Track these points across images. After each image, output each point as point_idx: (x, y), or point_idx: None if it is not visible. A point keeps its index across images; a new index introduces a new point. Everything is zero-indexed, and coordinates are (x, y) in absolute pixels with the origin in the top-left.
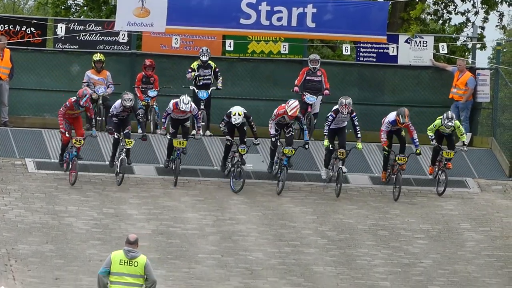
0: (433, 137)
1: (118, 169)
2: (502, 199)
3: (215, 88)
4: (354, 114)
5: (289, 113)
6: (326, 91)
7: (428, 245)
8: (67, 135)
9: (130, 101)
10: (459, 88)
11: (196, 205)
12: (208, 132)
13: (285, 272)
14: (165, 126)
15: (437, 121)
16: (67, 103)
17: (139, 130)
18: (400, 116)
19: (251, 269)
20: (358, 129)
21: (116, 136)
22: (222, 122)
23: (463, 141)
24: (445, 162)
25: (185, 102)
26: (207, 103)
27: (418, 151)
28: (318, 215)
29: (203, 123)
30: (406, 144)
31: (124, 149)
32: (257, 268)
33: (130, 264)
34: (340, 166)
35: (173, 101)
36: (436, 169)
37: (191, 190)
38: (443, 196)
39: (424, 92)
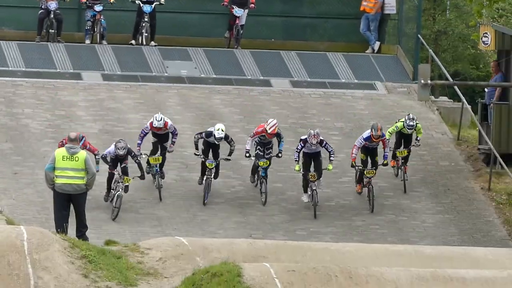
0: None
1: (114, 204)
2: (406, 100)
3: (158, 3)
4: (325, 143)
5: (269, 131)
6: (252, 5)
7: (342, 141)
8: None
9: (123, 149)
10: (369, 1)
11: (137, 107)
12: (152, 43)
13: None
14: (139, 147)
15: (399, 123)
16: (63, 140)
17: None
18: (373, 130)
19: (186, 164)
20: (332, 154)
21: (113, 173)
22: (197, 137)
23: (418, 137)
24: (402, 162)
25: (158, 120)
26: (152, 16)
27: (385, 162)
28: (245, 114)
29: None
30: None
31: (123, 186)
32: (192, 163)
33: (72, 159)
34: (313, 188)
35: (149, 121)
36: (396, 168)
37: (133, 94)
38: (354, 96)
39: (338, 5)
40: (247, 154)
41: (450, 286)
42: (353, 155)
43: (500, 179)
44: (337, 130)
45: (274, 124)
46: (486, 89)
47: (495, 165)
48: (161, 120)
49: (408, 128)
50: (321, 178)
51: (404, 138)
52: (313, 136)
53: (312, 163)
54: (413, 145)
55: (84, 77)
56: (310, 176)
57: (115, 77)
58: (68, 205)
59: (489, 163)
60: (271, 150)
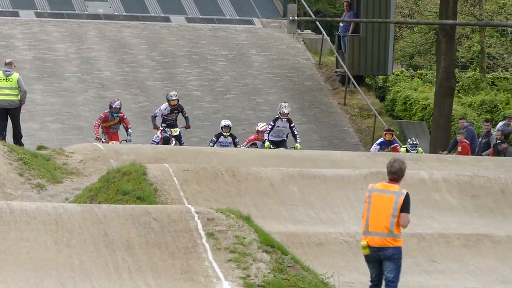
0: None
1: None
2: (278, 33)
3: None
4: (293, 124)
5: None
6: None
7: (227, 65)
8: (103, 140)
9: (176, 96)
10: None
11: (64, 39)
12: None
13: (126, 86)
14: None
15: (403, 149)
16: (101, 115)
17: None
18: (386, 135)
19: (103, 84)
20: (298, 136)
21: (165, 135)
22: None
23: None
24: None
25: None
26: None
27: None
28: (149, 45)
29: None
30: None
31: (174, 138)
32: (107, 83)
33: (7, 80)
34: None
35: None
36: None
37: (60, 28)
38: (236, 30)
39: None
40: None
41: (314, 182)
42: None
43: (353, 96)
44: (223, 57)
45: (264, 125)
46: (341, 24)
47: (349, 84)
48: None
49: (411, 150)
50: None
51: None
52: (284, 107)
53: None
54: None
55: (21, 15)
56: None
57: (45, 14)
58: (6, 117)
59: (344, 83)
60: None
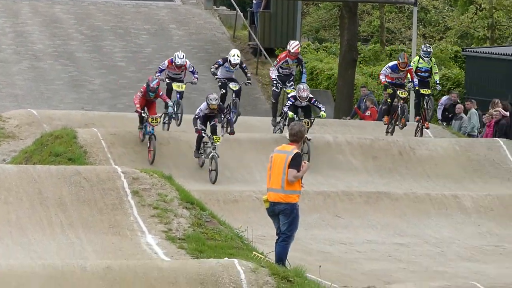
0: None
1: (211, 167)
2: (196, 9)
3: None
4: (314, 99)
5: (292, 51)
6: None
7: (149, 39)
8: (143, 114)
9: (216, 100)
10: None
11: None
12: None
13: (57, 57)
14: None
15: (416, 57)
16: (141, 89)
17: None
18: (400, 58)
19: (36, 55)
20: (322, 106)
21: (202, 134)
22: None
23: (436, 80)
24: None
25: (180, 57)
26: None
27: (417, 89)
28: (78, 20)
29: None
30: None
31: (215, 146)
32: (40, 55)
33: None
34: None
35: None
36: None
37: None
38: (158, 6)
39: None
40: (274, 82)
41: (229, 145)
42: (382, 78)
43: (264, 66)
44: (145, 31)
45: (297, 45)
46: (254, 1)
47: (260, 56)
48: (183, 58)
49: (425, 56)
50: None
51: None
52: (302, 90)
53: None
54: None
55: None
56: (304, 123)
57: None
58: None
59: (256, 55)
60: (292, 83)
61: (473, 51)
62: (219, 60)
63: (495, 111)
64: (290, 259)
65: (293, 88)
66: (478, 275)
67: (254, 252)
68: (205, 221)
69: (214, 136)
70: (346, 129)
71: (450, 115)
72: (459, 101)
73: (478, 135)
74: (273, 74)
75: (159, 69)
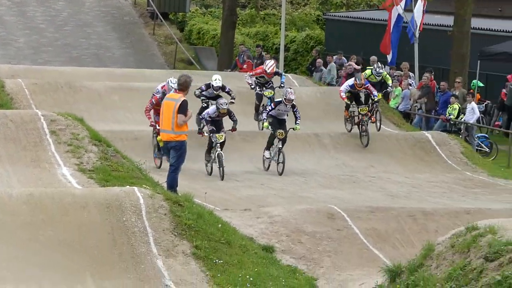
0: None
1: (218, 164)
2: None
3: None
4: (296, 108)
5: (268, 71)
6: None
7: (65, 5)
8: (157, 126)
9: (226, 104)
10: None
11: None
12: None
13: None
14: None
15: (367, 71)
16: (152, 99)
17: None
18: (357, 79)
19: None
20: (299, 118)
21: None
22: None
23: (389, 84)
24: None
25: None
26: None
27: (376, 99)
28: None
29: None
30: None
31: (218, 144)
32: None
33: None
34: (279, 146)
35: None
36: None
37: None
38: None
39: None
40: (252, 87)
41: (131, 93)
42: (343, 95)
43: (160, 28)
44: None
45: (272, 64)
46: None
47: (157, 19)
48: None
49: (376, 76)
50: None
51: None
52: (290, 93)
53: (278, 125)
54: (389, 91)
55: None
56: (278, 134)
57: None
58: None
59: (153, 18)
60: (272, 86)
61: (332, 15)
62: (202, 86)
63: (348, 64)
64: (180, 187)
65: (271, 91)
66: (335, 200)
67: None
68: (110, 155)
69: (217, 135)
70: (228, 79)
71: (312, 68)
72: (320, 56)
73: (336, 84)
74: (250, 80)
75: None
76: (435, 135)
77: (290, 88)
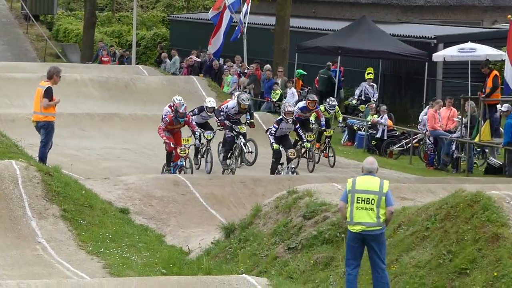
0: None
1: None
2: None
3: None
4: (298, 125)
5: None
6: None
7: None
8: (171, 145)
9: (248, 100)
10: None
11: None
12: None
13: None
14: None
15: (321, 107)
16: (166, 118)
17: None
18: (310, 98)
19: None
20: (303, 135)
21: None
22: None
23: (339, 120)
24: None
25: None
26: None
27: (329, 132)
28: None
29: None
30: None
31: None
32: None
33: None
34: (292, 166)
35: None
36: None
37: None
38: None
39: None
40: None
41: (7, 82)
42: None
43: (32, 28)
44: None
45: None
46: None
47: (30, 20)
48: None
49: (330, 109)
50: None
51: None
52: (288, 106)
53: (282, 144)
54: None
55: None
56: (290, 154)
57: None
58: None
59: (26, 19)
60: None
61: (175, 16)
62: (195, 109)
63: (189, 57)
64: (50, 160)
65: (244, 126)
66: None
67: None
68: None
69: (239, 126)
70: (89, 70)
71: (159, 60)
72: (165, 51)
73: (179, 73)
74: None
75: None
76: (261, 115)
77: (288, 102)
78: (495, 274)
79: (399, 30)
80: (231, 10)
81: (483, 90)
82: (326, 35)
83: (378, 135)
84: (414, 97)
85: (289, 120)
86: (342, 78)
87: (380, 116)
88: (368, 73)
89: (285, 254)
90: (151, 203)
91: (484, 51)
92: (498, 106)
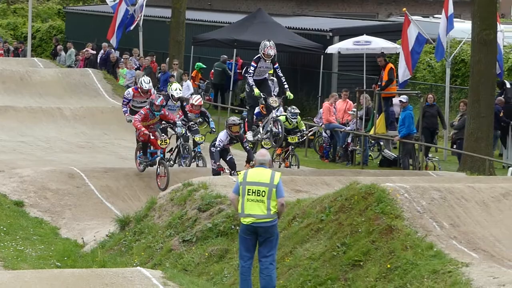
0: None
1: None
2: None
3: None
4: (277, 65)
5: (195, 103)
6: None
7: None
8: (146, 132)
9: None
10: None
11: None
12: None
13: None
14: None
15: (282, 117)
16: (141, 111)
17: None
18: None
19: None
20: (284, 80)
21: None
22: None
23: (303, 129)
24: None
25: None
26: None
27: (294, 139)
28: None
29: None
30: None
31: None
32: None
33: None
34: (276, 115)
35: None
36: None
37: None
38: None
39: None
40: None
41: None
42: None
43: None
44: None
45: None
46: None
47: None
48: (149, 82)
49: (292, 118)
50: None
51: None
52: (269, 47)
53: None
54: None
55: None
56: (271, 101)
57: None
58: None
59: None
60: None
61: (71, 8)
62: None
63: (85, 50)
64: None
65: (201, 137)
66: (75, 162)
67: None
68: None
69: (238, 172)
70: None
71: (55, 53)
72: (60, 43)
73: (75, 66)
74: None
75: (125, 101)
76: None
77: (269, 41)
78: (389, 266)
79: (295, 23)
80: (127, 3)
81: (379, 83)
82: (222, 27)
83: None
84: (309, 90)
85: (267, 60)
86: (239, 71)
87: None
88: None
89: (180, 246)
90: (46, 195)
91: (379, 44)
92: (394, 99)
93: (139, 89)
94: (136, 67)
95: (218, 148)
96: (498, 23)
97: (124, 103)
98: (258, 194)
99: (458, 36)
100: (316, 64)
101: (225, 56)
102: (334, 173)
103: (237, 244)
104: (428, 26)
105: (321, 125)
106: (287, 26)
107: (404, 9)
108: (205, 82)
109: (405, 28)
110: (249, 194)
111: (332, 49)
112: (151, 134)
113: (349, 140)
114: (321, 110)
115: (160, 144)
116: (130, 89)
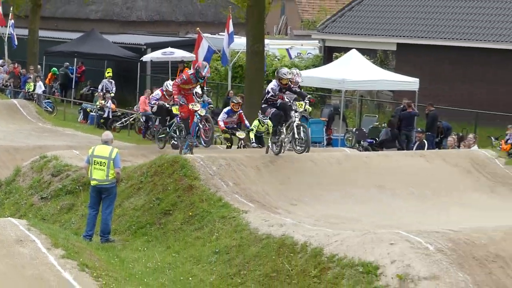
0: None
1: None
2: None
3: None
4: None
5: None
6: None
7: None
8: (181, 102)
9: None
10: None
11: None
12: None
13: None
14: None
15: (256, 121)
16: (183, 75)
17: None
18: (234, 100)
19: None
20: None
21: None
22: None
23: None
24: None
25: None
26: None
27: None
28: None
29: None
30: None
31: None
32: None
33: None
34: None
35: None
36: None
37: None
38: None
39: None
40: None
41: None
42: (221, 124)
43: None
44: None
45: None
46: None
47: None
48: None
49: (264, 120)
50: None
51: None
52: (297, 75)
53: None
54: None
55: None
56: (298, 105)
57: None
58: None
59: None
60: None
61: None
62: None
63: None
64: None
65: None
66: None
67: None
68: None
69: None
70: None
71: None
72: None
73: None
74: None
75: (152, 100)
76: (20, 102)
77: (296, 69)
78: (190, 213)
79: (119, 39)
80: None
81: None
82: (66, 42)
83: (105, 115)
84: (130, 88)
85: (299, 80)
86: (79, 75)
87: (106, 101)
88: (108, 72)
89: (39, 202)
90: None
91: (180, 54)
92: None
93: (165, 92)
94: (5, 71)
95: (271, 93)
96: (264, 38)
97: (153, 101)
98: (101, 164)
99: (237, 48)
100: (135, 69)
101: (68, 63)
102: (149, 148)
103: (81, 199)
104: (215, 41)
105: (139, 113)
106: (113, 41)
107: (198, 28)
108: (58, 83)
109: (198, 42)
110: (95, 164)
111: (146, 58)
112: (180, 101)
113: (157, 122)
114: (139, 102)
115: (193, 107)
116: (158, 91)
